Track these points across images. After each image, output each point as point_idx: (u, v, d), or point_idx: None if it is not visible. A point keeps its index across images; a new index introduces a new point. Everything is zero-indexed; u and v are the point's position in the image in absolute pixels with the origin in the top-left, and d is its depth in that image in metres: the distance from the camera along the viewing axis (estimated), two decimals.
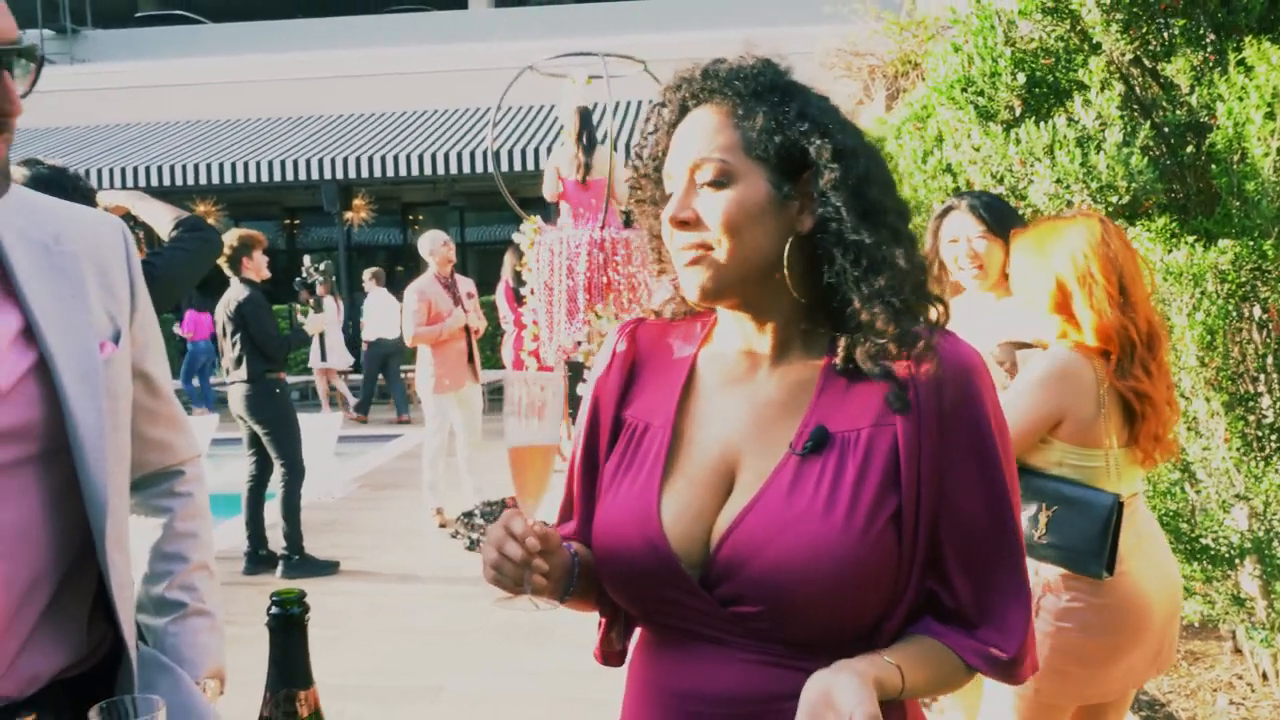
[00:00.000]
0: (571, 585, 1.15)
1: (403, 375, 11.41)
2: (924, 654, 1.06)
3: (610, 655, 1.28)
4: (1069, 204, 2.95)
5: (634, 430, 1.17)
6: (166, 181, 14.05)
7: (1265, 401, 2.93)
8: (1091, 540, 1.90)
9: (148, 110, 16.06)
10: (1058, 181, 2.90)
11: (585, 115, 6.63)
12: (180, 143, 15.19)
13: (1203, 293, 2.77)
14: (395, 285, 10.78)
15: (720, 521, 1.08)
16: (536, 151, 12.97)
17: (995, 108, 3.24)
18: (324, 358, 11.76)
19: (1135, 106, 3.17)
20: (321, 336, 10.68)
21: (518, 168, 12.96)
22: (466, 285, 6.72)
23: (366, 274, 11.95)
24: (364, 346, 12.07)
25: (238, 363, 5.40)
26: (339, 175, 13.92)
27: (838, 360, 1.09)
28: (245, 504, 5.63)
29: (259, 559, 5.59)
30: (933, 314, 1.10)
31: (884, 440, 1.04)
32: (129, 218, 3.29)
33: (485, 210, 17.96)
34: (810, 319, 1.12)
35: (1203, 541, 3.05)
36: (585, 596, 1.21)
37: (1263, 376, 2.94)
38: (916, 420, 1.03)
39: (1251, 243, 2.74)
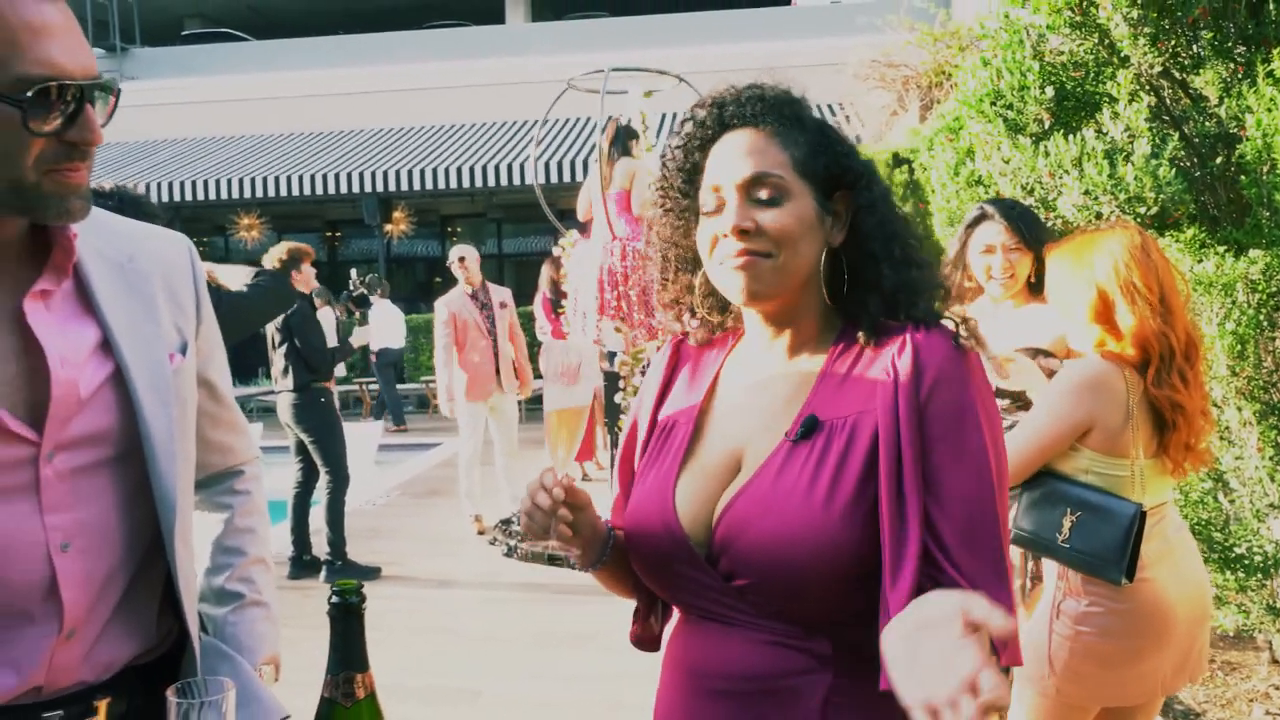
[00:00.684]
0: (604, 555, 1.28)
1: (426, 386, 11.47)
2: None
3: (645, 640, 1.38)
4: (1097, 215, 2.98)
5: (664, 429, 1.30)
6: (212, 195, 14.37)
7: None
8: (1113, 547, 1.93)
9: (194, 126, 16.43)
10: (1086, 193, 2.93)
11: (620, 129, 6.71)
12: (225, 157, 15.53)
13: (1233, 302, 2.79)
14: (433, 296, 10.95)
15: (721, 502, 1.18)
16: (573, 164, 13.11)
17: (1024, 121, 3.28)
18: (368, 369, 11.92)
19: (1166, 118, 3.19)
20: (365, 348, 10.85)
21: (554, 180, 13.10)
22: (501, 294, 6.75)
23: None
24: (372, 358, 12.27)
25: (285, 372, 5.56)
26: (379, 188, 14.16)
27: (840, 349, 1.20)
28: (290, 510, 5.76)
29: (303, 564, 5.72)
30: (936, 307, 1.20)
31: (866, 427, 1.13)
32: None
33: (522, 222, 18.14)
34: (827, 320, 1.24)
35: (1236, 551, 3.06)
36: (618, 575, 1.33)
37: None
38: (893, 408, 1.11)
39: None
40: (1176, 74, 3.17)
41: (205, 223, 16.99)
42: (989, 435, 1.12)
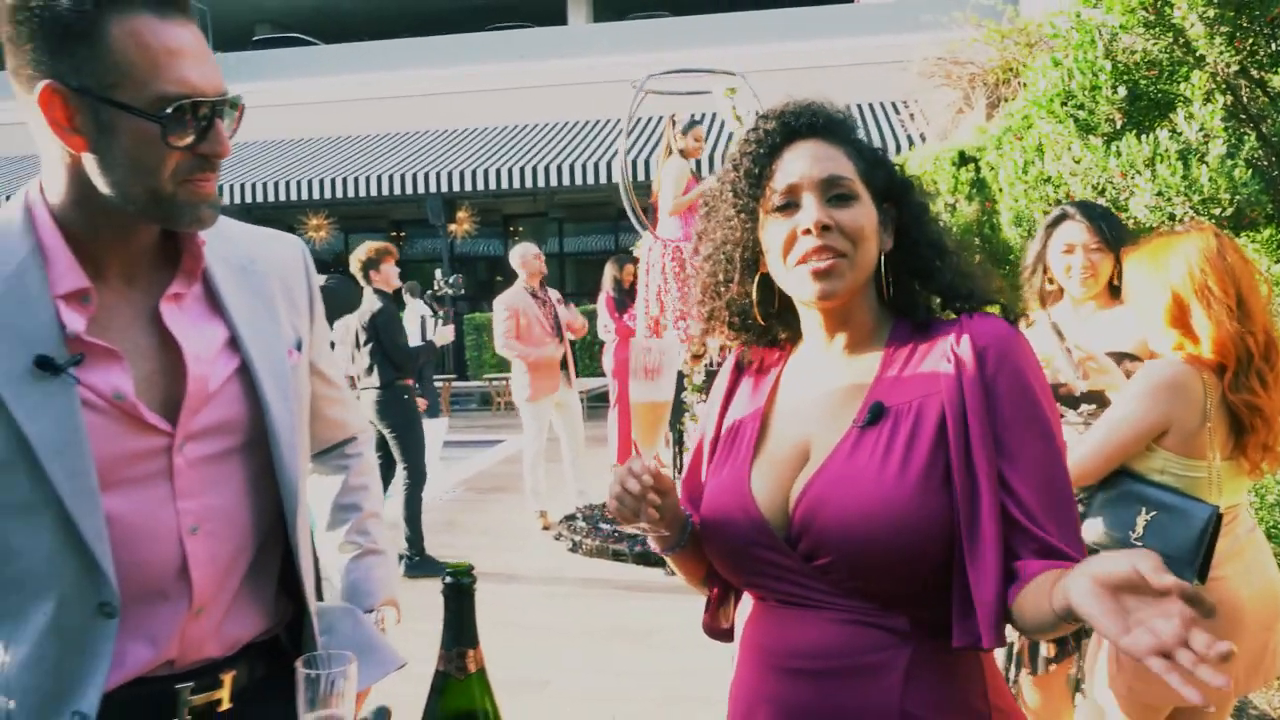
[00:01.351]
0: (683, 539, 1.37)
1: (501, 382, 11.61)
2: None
3: (717, 631, 1.45)
4: (1170, 216, 2.96)
5: (730, 433, 1.38)
6: (281, 197, 14.75)
7: None
8: (1187, 548, 1.94)
9: (264, 128, 16.84)
10: (1159, 194, 2.92)
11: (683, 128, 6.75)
12: (293, 159, 15.93)
13: None
14: (495, 295, 11.12)
15: (795, 487, 1.26)
16: (635, 163, 13.19)
17: (1095, 121, 3.27)
18: (444, 367, 12.07)
19: (1243, 117, 3.16)
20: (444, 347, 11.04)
21: (616, 179, 13.19)
22: (553, 296, 6.93)
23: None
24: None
25: (369, 370, 5.70)
26: (443, 189, 14.41)
27: (895, 344, 1.29)
28: None
29: None
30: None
31: (932, 408, 1.20)
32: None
33: (584, 221, 18.29)
34: (880, 318, 1.33)
35: None
36: (693, 562, 1.42)
37: None
38: (958, 387, 1.19)
39: None
40: (1254, 72, 3.13)
41: (275, 223, 17.14)
42: (1048, 406, 1.20)
